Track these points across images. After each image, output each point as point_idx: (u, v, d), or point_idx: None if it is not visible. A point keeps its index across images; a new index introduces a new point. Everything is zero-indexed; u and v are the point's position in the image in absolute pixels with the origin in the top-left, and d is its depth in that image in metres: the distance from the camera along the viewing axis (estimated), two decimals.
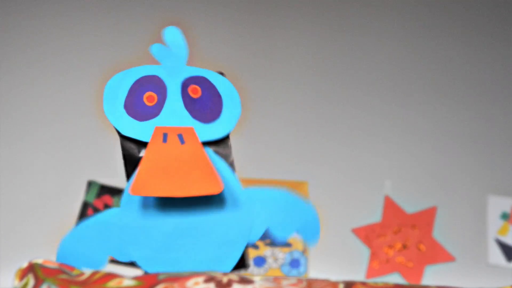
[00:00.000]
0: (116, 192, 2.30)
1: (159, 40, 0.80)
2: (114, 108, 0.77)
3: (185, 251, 0.76)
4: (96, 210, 2.28)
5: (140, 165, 0.74)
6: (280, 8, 2.53)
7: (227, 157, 0.79)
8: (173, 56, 0.79)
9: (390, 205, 2.41)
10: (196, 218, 0.76)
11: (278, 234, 0.78)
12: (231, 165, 0.79)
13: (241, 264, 0.78)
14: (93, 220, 0.76)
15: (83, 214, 2.28)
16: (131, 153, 0.78)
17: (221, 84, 0.80)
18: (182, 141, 0.76)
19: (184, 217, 0.76)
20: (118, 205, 2.46)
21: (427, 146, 2.49)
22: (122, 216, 0.76)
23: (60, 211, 2.27)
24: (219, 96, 0.80)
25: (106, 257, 0.76)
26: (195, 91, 0.79)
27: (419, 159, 2.47)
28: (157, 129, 0.76)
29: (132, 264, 0.76)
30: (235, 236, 0.77)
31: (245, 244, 0.77)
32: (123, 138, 0.78)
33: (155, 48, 0.79)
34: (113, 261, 0.77)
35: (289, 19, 2.53)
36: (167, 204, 0.76)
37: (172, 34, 0.80)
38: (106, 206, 2.29)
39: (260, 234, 0.78)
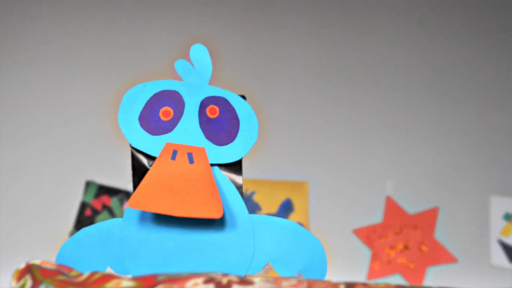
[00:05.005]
0: (114, 192, 2.30)
1: (184, 56, 0.79)
2: (129, 119, 0.76)
3: (184, 271, 0.73)
4: (94, 211, 2.28)
5: (143, 179, 0.72)
6: (277, 11, 2.52)
7: (236, 181, 0.77)
8: (196, 74, 0.78)
9: (391, 206, 2.40)
10: (198, 240, 0.74)
11: (279, 270, 0.75)
12: (239, 189, 0.76)
13: None
14: (95, 228, 0.74)
15: (81, 215, 2.27)
16: (141, 164, 0.76)
17: (241, 107, 0.78)
18: (191, 161, 0.74)
19: (186, 237, 0.74)
20: (116, 206, 2.43)
21: (429, 146, 2.48)
22: (124, 227, 0.74)
23: (58, 212, 2.27)
24: (237, 118, 0.78)
25: (105, 268, 0.74)
26: (213, 111, 0.77)
27: (421, 159, 2.47)
28: (167, 145, 0.75)
29: None
30: (235, 265, 0.74)
31: (244, 275, 0.74)
32: (134, 148, 0.76)
33: (179, 64, 0.78)
34: None
35: (289, 22, 2.52)
36: (170, 221, 0.74)
37: (199, 52, 0.78)
38: (105, 207, 2.28)
39: (261, 267, 0.75)
